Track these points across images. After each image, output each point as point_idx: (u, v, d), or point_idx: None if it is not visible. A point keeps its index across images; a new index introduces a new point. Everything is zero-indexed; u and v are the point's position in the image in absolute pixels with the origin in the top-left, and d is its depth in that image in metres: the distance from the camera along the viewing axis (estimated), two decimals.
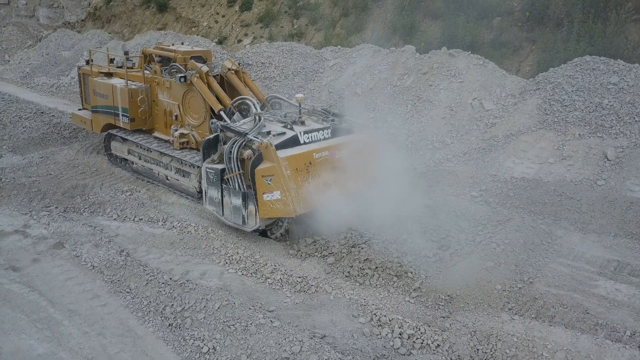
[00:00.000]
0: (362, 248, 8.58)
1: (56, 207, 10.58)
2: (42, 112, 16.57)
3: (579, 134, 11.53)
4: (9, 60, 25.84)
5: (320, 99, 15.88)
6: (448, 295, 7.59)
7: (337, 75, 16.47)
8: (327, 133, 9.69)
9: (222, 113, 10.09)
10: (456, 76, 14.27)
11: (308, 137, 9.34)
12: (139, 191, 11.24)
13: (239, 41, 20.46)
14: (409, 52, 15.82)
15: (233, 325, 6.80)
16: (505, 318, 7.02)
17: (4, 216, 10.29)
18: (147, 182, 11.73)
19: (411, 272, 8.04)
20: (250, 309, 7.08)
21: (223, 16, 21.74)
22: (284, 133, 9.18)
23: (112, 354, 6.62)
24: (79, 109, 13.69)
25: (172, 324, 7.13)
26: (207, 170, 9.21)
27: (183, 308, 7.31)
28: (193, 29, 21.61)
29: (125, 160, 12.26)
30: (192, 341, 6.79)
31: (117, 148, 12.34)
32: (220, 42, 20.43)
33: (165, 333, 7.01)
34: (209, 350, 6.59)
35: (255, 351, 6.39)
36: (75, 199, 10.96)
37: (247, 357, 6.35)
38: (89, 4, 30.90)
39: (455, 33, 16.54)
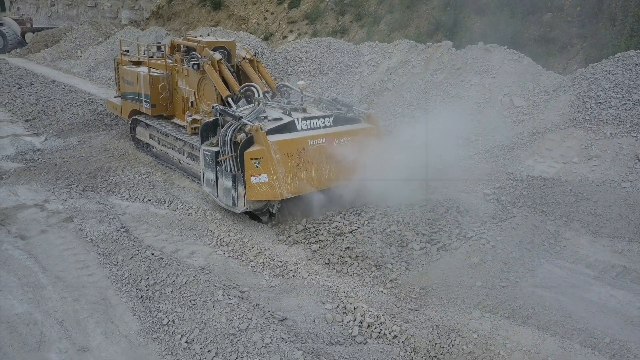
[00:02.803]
0: (347, 236, 8.39)
1: (77, 186, 11.19)
2: (92, 101, 17.67)
3: (611, 133, 10.65)
4: (80, 56, 27.74)
5: (351, 93, 15.75)
6: (423, 289, 7.25)
7: (372, 70, 16.26)
8: (329, 121, 9.58)
9: (229, 99, 10.27)
10: (489, 72, 13.66)
11: (306, 124, 9.28)
12: (155, 174, 11.66)
13: (284, 37, 20.72)
14: (445, 47, 15.34)
15: (194, 300, 6.87)
16: (475, 315, 6.60)
17: (29, 191, 11.03)
18: (166, 166, 12.14)
19: (391, 264, 7.76)
20: (215, 286, 7.13)
21: (272, 13, 22.12)
22: (280, 119, 9.19)
23: (81, 319, 6.89)
24: (114, 97, 14.44)
25: (144, 296, 7.31)
26: (204, 152, 9.38)
27: (156, 282, 7.48)
28: (242, 26, 22.15)
29: (148, 144, 12.77)
30: (157, 313, 6.93)
31: (141, 133, 12.88)
32: (266, 39, 20.79)
33: (135, 304, 7.20)
34: (168, 322, 6.70)
35: (208, 326, 6.42)
36: (97, 179, 11.53)
37: (200, 331, 6.40)
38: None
39: (497, 28, 15.85)
